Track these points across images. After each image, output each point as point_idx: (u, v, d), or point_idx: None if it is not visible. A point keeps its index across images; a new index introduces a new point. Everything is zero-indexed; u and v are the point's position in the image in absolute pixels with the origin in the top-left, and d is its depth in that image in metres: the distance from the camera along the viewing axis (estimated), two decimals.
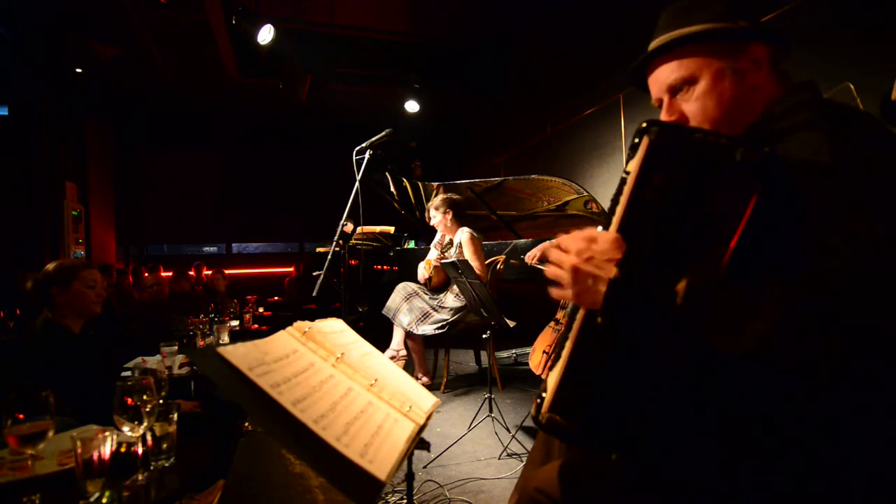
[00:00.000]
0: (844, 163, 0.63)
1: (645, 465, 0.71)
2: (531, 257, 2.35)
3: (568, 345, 0.70)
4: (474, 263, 3.03)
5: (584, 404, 0.69)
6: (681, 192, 0.65)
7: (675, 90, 0.82)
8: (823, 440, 0.61)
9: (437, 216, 3.33)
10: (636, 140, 0.67)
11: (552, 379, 0.71)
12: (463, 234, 3.22)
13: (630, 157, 0.68)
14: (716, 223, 0.64)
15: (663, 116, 0.85)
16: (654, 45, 0.83)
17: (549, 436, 1.05)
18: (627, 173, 0.67)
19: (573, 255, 0.70)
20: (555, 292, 0.73)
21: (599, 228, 0.72)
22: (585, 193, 3.85)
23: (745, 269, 0.62)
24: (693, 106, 0.80)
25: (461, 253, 3.19)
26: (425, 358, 3.37)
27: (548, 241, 2.38)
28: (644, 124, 0.67)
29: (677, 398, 0.67)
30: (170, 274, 4.34)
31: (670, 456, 0.69)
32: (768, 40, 0.79)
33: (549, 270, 0.74)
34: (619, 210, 0.68)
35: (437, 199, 3.35)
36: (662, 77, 0.83)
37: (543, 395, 0.72)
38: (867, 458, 0.61)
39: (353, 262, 3.88)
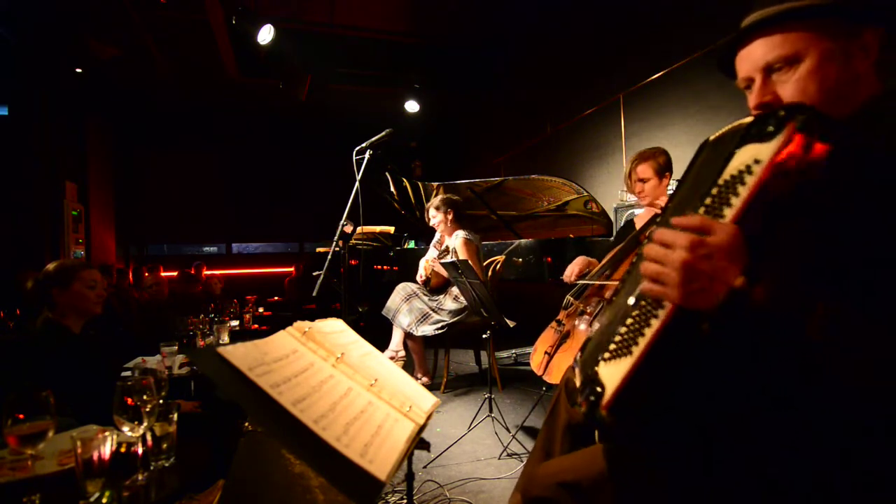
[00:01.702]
0: None
1: (699, 480, 0.66)
2: (570, 275, 2.29)
3: (646, 340, 0.61)
4: None
5: (650, 405, 0.63)
6: (818, 196, 0.57)
7: (771, 69, 0.73)
8: None
9: (437, 216, 3.33)
10: (770, 128, 0.58)
11: (614, 375, 0.63)
12: (457, 239, 3.21)
13: (750, 141, 0.60)
14: (853, 237, 0.56)
15: (753, 98, 0.76)
16: (757, 16, 0.74)
17: (551, 427, 1.04)
18: (758, 161, 0.57)
19: (683, 249, 0.59)
20: (652, 287, 0.63)
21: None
22: (585, 193, 3.85)
23: (857, 285, 0.56)
24: (791, 87, 0.72)
25: (455, 258, 3.18)
26: (425, 358, 3.37)
27: (582, 257, 2.33)
28: (783, 112, 0.59)
29: (756, 415, 0.61)
30: (170, 274, 4.34)
31: (735, 476, 0.63)
32: (885, 25, 0.71)
33: (647, 267, 0.64)
34: (744, 195, 0.57)
35: (436, 199, 3.35)
36: (759, 54, 0.74)
37: (599, 389, 0.64)
38: None
39: (353, 262, 3.88)
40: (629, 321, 0.67)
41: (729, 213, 0.58)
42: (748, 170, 0.58)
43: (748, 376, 0.61)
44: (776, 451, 0.62)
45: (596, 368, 0.68)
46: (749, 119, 0.65)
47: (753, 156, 0.58)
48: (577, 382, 0.76)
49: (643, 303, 0.65)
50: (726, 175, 0.61)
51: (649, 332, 0.61)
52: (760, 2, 0.75)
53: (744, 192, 0.57)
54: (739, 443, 0.64)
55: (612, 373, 0.64)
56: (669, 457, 0.67)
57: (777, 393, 0.60)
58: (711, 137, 0.75)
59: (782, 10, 0.71)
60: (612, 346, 0.67)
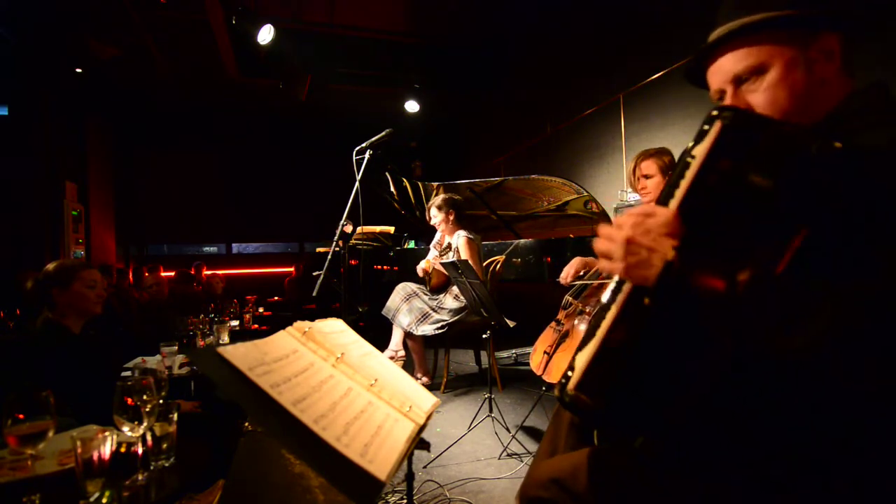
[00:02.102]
0: None
1: (670, 454, 0.70)
2: (566, 277, 2.32)
3: (605, 322, 0.68)
4: None
5: (614, 385, 0.67)
6: (748, 181, 0.63)
7: (740, 80, 0.77)
8: (854, 449, 0.60)
9: (438, 215, 3.33)
10: (706, 127, 0.65)
11: (582, 358, 0.69)
12: (459, 238, 3.21)
13: (696, 142, 0.66)
14: (782, 217, 0.61)
15: None
16: (720, 32, 0.78)
17: (557, 425, 1.05)
18: (692, 157, 0.65)
19: (628, 227, 0.67)
20: (604, 264, 0.70)
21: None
22: (585, 193, 3.85)
23: (807, 268, 0.60)
24: (762, 97, 0.75)
25: (458, 257, 3.18)
26: (425, 358, 3.37)
27: (578, 258, 2.35)
28: (715, 112, 0.66)
29: (713, 389, 0.65)
30: (170, 274, 4.34)
31: (697, 448, 0.68)
32: (842, 29, 0.74)
33: (598, 244, 0.71)
34: (681, 190, 0.65)
35: (438, 199, 3.35)
36: (727, 66, 0.78)
37: (570, 373, 0.70)
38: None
39: (353, 262, 3.88)
40: (603, 312, 0.73)
41: (673, 202, 0.66)
42: (688, 164, 0.66)
43: (702, 355, 0.66)
44: (739, 427, 0.67)
45: (575, 357, 0.73)
46: None
47: (694, 153, 0.66)
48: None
49: (613, 295, 0.72)
50: (678, 170, 0.69)
51: (609, 315, 0.68)
52: (724, 16, 0.79)
53: (684, 183, 0.66)
54: (707, 424, 0.68)
55: (581, 357, 0.70)
56: (641, 444, 0.71)
57: (730, 368, 0.65)
58: None
59: (743, 23, 0.75)
60: (591, 331, 0.73)
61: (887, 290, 0.55)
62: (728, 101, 0.79)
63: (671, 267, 0.62)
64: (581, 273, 2.26)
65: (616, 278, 0.71)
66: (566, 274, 2.30)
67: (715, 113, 0.66)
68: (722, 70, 0.79)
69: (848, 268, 0.58)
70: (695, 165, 0.65)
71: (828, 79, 0.75)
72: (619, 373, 0.68)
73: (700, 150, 0.65)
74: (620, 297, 0.68)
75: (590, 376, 0.67)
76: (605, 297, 0.73)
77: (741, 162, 0.63)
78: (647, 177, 2.09)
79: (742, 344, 0.61)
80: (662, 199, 0.68)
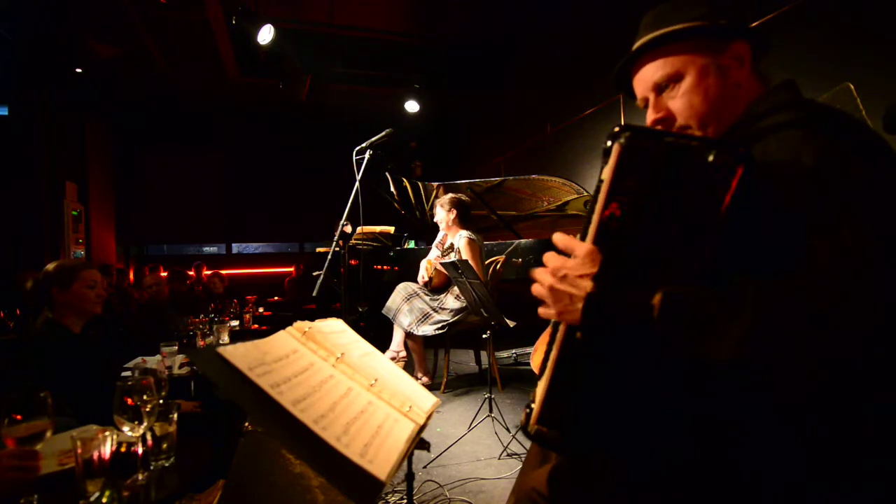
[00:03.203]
0: (826, 164, 0.62)
1: (630, 471, 0.72)
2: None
3: (551, 359, 0.70)
4: None
5: (568, 416, 0.71)
6: (655, 197, 0.64)
7: (660, 88, 0.83)
8: (802, 444, 0.62)
9: (440, 213, 3.33)
10: (608, 143, 0.66)
11: (539, 391, 0.72)
12: (461, 239, 3.21)
13: (603, 165, 0.68)
14: (692, 228, 0.64)
15: (650, 115, 0.85)
16: (638, 44, 0.84)
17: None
18: (602, 181, 0.66)
19: (549, 274, 0.70)
20: (541, 311, 0.74)
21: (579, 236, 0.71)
22: (585, 193, 3.85)
23: (722, 272, 0.62)
24: (679, 102, 0.81)
25: (459, 257, 3.18)
26: (425, 358, 3.37)
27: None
28: (616, 129, 0.66)
29: (659, 406, 0.68)
30: (166, 274, 4.34)
31: (653, 463, 0.70)
32: (749, 38, 0.81)
33: (534, 289, 0.73)
34: (594, 220, 0.67)
35: (445, 197, 3.35)
36: (647, 75, 0.83)
37: (532, 405, 0.73)
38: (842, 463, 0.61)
39: (353, 262, 3.88)
40: (549, 340, 0.75)
41: (589, 234, 0.68)
42: (598, 188, 0.66)
43: (645, 376, 0.68)
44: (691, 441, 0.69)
45: (537, 382, 0.76)
46: None
47: (602, 177, 0.66)
48: None
49: (553, 331, 0.74)
50: (594, 196, 0.70)
51: (552, 354, 0.71)
52: (643, 28, 0.84)
53: (595, 212, 0.66)
54: (660, 441, 0.70)
55: (538, 389, 0.73)
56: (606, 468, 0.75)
57: (665, 388, 0.68)
58: None
59: (657, 35, 0.81)
60: (542, 364, 0.75)
61: (804, 281, 0.57)
62: (651, 107, 0.84)
63: (590, 305, 0.65)
64: None
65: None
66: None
67: (616, 130, 0.66)
68: (643, 79, 0.84)
69: (768, 265, 0.61)
70: (603, 189, 0.65)
71: (741, 82, 0.80)
72: (570, 404, 0.70)
73: (606, 174, 0.65)
74: (559, 336, 0.70)
75: (546, 410, 0.71)
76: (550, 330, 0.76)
77: (646, 180, 0.64)
78: None
79: (678, 361, 0.63)
80: (583, 232, 0.69)
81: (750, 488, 0.65)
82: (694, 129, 0.81)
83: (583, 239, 0.69)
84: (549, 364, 0.70)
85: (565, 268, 0.69)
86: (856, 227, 0.58)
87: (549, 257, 0.72)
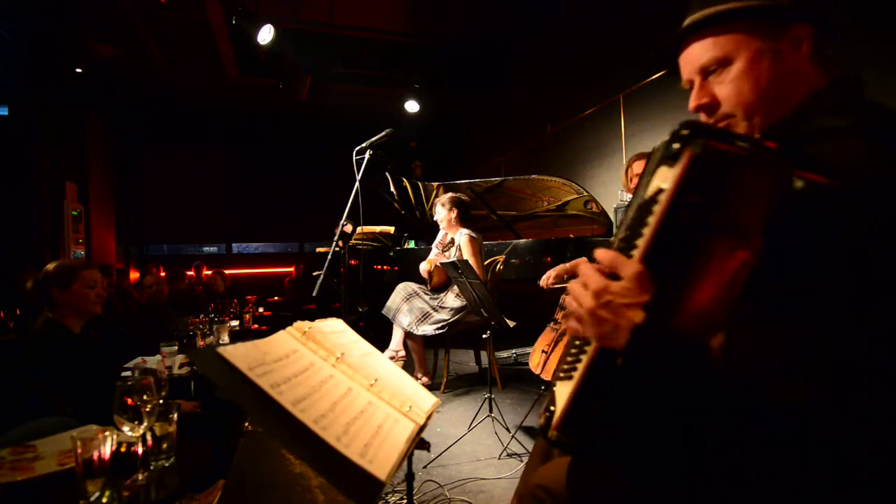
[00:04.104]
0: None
1: (650, 488, 0.71)
2: (546, 280, 2.36)
3: (580, 373, 0.66)
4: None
5: (591, 431, 0.67)
6: (721, 218, 0.55)
7: (707, 72, 0.76)
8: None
9: (441, 212, 3.33)
10: (675, 146, 0.57)
11: (562, 396, 0.68)
12: (462, 236, 3.22)
13: (655, 165, 0.60)
14: (762, 257, 0.56)
15: (693, 100, 0.78)
16: (688, 21, 0.76)
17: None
18: (661, 190, 0.57)
19: (590, 296, 0.62)
20: (572, 326, 0.66)
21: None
22: (585, 193, 3.85)
23: (784, 308, 0.57)
24: (726, 89, 0.74)
25: (460, 254, 3.19)
26: (425, 358, 3.37)
27: (561, 266, 2.37)
28: (686, 131, 0.56)
29: (690, 435, 0.64)
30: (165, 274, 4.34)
31: (676, 483, 0.68)
32: (813, 21, 0.72)
33: (568, 303, 0.67)
34: (647, 237, 0.57)
35: (445, 196, 3.35)
36: (694, 57, 0.77)
37: (552, 408, 0.70)
38: None
39: (353, 262, 3.88)
40: (577, 342, 0.72)
41: (637, 250, 0.59)
42: (655, 198, 0.58)
43: (678, 407, 0.64)
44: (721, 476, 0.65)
45: (557, 382, 0.73)
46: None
47: (661, 182, 0.57)
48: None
49: (581, 346, 0.71)
50: (645, 197, 0.61)
51: (584, 359, 0.66)
52: (697, 5, 0.77)
53: (652, 221, 0.57)
54: (689, 467, 0.66)
55: (561, 393, 0.69)
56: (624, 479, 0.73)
57: (702, 418, 0.63)
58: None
59: (709, 14, 0.74)
60: (565, 365, 0.72)
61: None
62: (695, 92, 0.78)
63: (638, 339, 0.59)
64: (563, 277, 2.29)
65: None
66: (546, 277, 2.33)
67: (685, 132, 0.57)
68: (690, 60, 0.78)
69: (838, 306, 0.55)
70: (664, 202, 0.56)
71: (797, 71, 0.73)
72: (595, 421, 0.67)
73: (669, 184, 0.56)
74: (590, 354, 0.65)
75: (569, 418, 0.67)
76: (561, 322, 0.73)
77: (711, 196, 0.55)
78: (639, 175, 2.09)
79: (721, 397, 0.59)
80: (625, 246, 0.62)
81: None
82: (739, 118, 0.74)
83: (622, 251, 0.62)
84: (577, 377, 0.66)
85: (610, 292, 0.60)
86: None
87: (590, 275, 0.63)
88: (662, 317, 0.57)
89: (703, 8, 0.75)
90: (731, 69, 0.74)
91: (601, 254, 0.64)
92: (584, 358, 0.66)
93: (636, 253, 0.59)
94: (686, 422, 0.64)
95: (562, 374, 0.72)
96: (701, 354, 0.57)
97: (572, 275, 2.28)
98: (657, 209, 0.56)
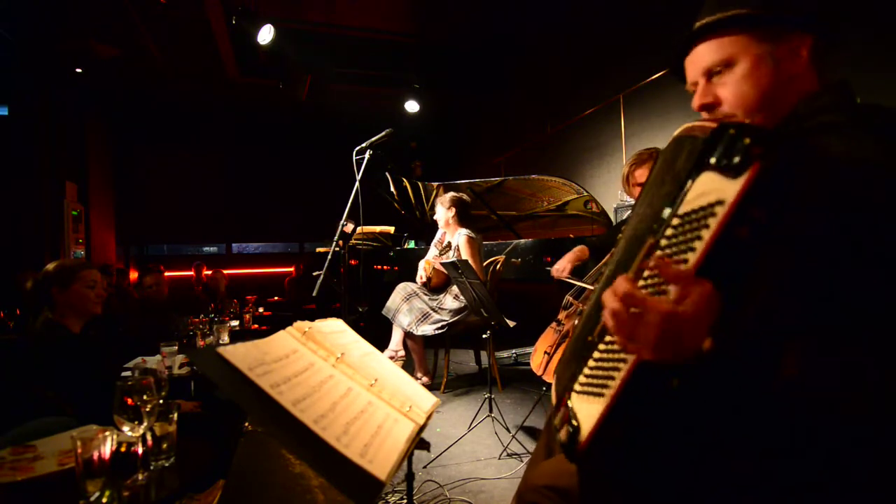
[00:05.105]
0: None
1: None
2: (562, 272, 2.29)
3: (617, 383, 0.61)
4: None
5: (626, 454, 0.63)
6: (781, 233, 0.52)
7: (711, 73, 0.81)
8: None
9: (440, 211, 3.34)
10: (735, 159, 0.52)
11: (589, 412, 0.64)
12: (460, 237, 3.22)
13: (694, 169, 0.58)
14: (826, 272, 0.54)
15: (697, 99, 0.83)
16: (699, 24, 0.82)
17: (552, 429, 1.04)
18: (720, 202, 0.52)
19: (653, 327, 0.56)
20: (620, 341, 0.61)
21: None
22: (585, 193, 3.85)
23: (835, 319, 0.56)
24: (729, 90, 0.79)
25: (458, 255, 3.19)
26: (425, 358, 3.37)
27: (571, 253, 2.33)
28: (748, 140, 0.51)
29: (740, 465, 0.61)
30: (171, 274, 4.33)
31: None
32: (812, 30, 0.77)
33: (609, 321, 0.61)
34: (704, 245, 0.52)
35: (445, 195, 3.35)
36: (700, 58, 0.82)
37: (574, 422, 0.65)
38: None
39: (353, 262, 3.88)
40: (597, 354, 0.67)
41: (692, 259, 0.54)
42: (710, 210, 0.53)
43: (729, 421, 0.61)
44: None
45: (571, 396, 0.70)
46: (700, 130, 0.63)
47: (717, 194, 0.52)
48: (553, 399, 0.80)
49: (608, 338, 0.66)
50: (686, 208, 0.57)
51: (619, 377, 0.60)
52: (706, 10, 0.82)
53: (706, 235, 0.52)
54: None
55: (586, 411, 0.64)
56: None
57: (761, 440, 0.60)
58: (675, 136, 0.73)
59: (716, 18, 0.79)
60: (584, 379, 0.68)
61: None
62: (699, 93, 0.82)
63: (707, 355, 0.54)
64: (578, 264, 2.26)
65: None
66: (561, 267, 2.28)
67: (748, 141, 0.51)
68: (695, 61, 0.82)
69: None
70: (723, 213, 0.51)
71: (796, 76, 0.77)
72: (631, 443, 0.62)
73: (730, 195, 0.51)
74: (629, 367, 0.59)
75: (600, 438, 0.62)
76: (593, 324, 0.66)
77: (778, 209, 0.51)
78: (641, 185, 2.08)
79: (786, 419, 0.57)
80: (678, 247, 0.56)
81: None
82: (739, 118, 0.78)
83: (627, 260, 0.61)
84: (613, 388, 0.60)
85: (679, 318, 0.54)
86: None
87: (648, 303, 0.57)
88: (731, 343, 0.54)
89: (713, 13, 0.79)
90: (734, 71, 0.78)
91: (657, 261, 0.58)
92: (621, 370, 0.60)
93: (691, 259, 0.54)
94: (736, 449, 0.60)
95: (579, 389, 0.68)
96: (769, 375, 0.54)
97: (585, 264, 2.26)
98: (720, 212, 0.51)
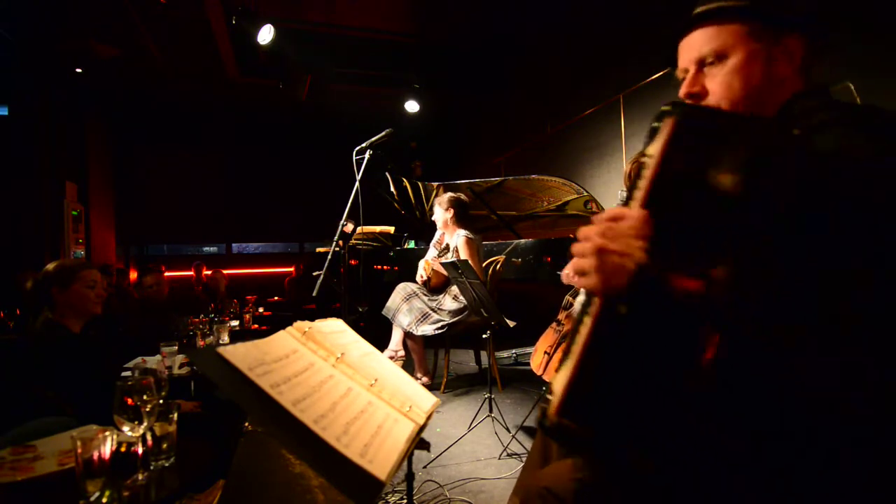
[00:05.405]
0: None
1: (665, 476, 0.65)
2: (569, 277, 2.28)
3: (581, 338, 0.64)
4: None
5: (600, 406, 0.63)
6: (710, 175, 0.62)
7: (703, 63, 0.80)
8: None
9: (439, 212, 3.34)
10: (655, 124, 0.66)
11: (560, 379, 0.65)
12: (459, 238, 3.22)
13: (649, 141, 0.67)
14: (745, 205, 0.61)
15: (685, 87, 0.82)
16: (700, 9, 0.81)
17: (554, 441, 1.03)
18: (649, 156, 0.65)
19: (596, 236, 0.65)
20: (580, 281, 0.67)
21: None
22: (585, 193, 3.85)
23: (774, 255, 0.59)
24: (718, 81, 0.78)
25: (457, 256, 3.19)
26: (425, 358, 3.37)
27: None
28: (668, 106, 0.66)
29: (707, 399, 0.62)
30: (172, 274, 4.32)
31: (691, 468, 0.63)
32: (808, 36, 0.78)
33: (573, 264, 0.68)
34: (644, 186, 0.63)
35: (445, 196, 3.35)
36: (696, 43, 0.81)
37: (550, 397, 0.66)
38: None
39: (353, 262, 3.88)
40: (576, 320, 0.70)
41: (637, 197, 0.65)
42: (645, 164, 0.66)
43: (688, 360, 0.62)
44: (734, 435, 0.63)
45: (547, 376, 0.71)
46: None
47: (649, 151, 0.66)
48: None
49: (584, 308, 0.69)
50: (638, 172, 0.68)
51: (583, 329, 0.64)
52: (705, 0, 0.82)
53: (643, 183, 0.65)
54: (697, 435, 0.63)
55: (559, 378, 0.65)
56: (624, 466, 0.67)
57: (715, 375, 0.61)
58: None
59: (720, 6, 0.78)
60: (563, 354, 0.70)
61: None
62: (687, 81, 0.82)
63: (644, 269, 0.60)
64: None
65: (583, 291, 0.68)
66: (570, 276, 2.27)
67: (666, 108, 0.66)
68: (691, 46, 0.82)
69: (822, 255, 0.57)
70: (653, 163, 0.64)
71: (784, 79, 0.77)
72: (602, 392, 0.63)
73: (656, 148, 0.64)
74: (593, 310, 0.64)
75: (572, 398, 0.63)
76: (575, 310, 0.71)
77: (699, 157, 0.63)
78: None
79: (730, 341, 0.59)
80: (625, 202, 0.67)
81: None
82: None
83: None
84: (579, 343, 0.64)
85: (616, 228, 0.63)
86: None
87: (591, 226, 0.67)
88: (664, 255, 0.60)
89: (712, 3, 0.79)
90: (726, 64, 0.78)
91: (606, 212, 0.68)
92: (585, 325, 0.64)
93: (635, 201, 0.65)
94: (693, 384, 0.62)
95: (557, 365, 0.69)
96: (704, 285, 0.58)
97: None
98: (651, 162, 0.64)
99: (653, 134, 0.66)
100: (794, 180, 0.61)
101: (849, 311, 0.55)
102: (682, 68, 0.84)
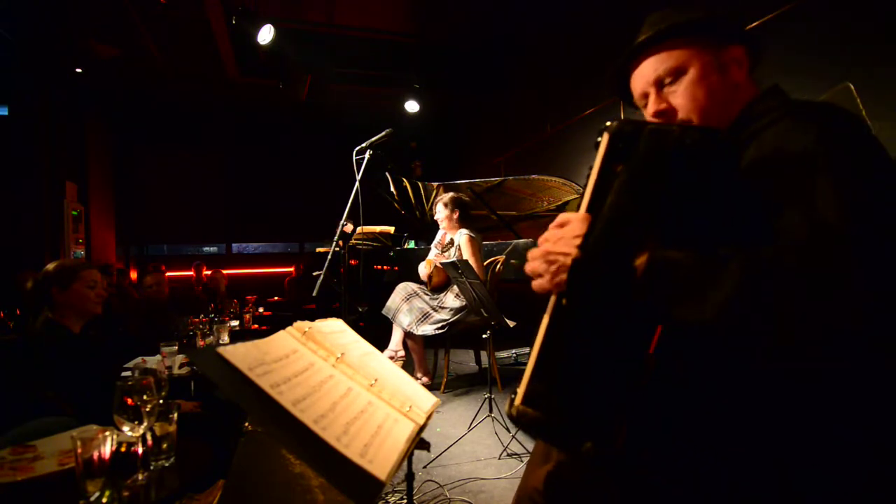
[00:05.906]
0: (815, 146, 0.65)
1: (619, 457, 0.68)
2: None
3: (539, 332, 0.69)
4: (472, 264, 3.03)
5: (554, 393, 0.68)
6: (642, 176, 0.68)
7: (661, 83, 0.84)
8: (790, 413, 0.62)
9: (442, 212, 3.34)
10: (598, 140, 0.71)
11: (526, 372, 0.70)
12: (461, 236, 3.22)
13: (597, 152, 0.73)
14: (675, 204, 0.68)
15: (650, 109, 0.86)
16: (643, 37, 0.85)
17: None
18: (591, 168, 0.72)
19: (545, 243, 0.72)
20: (534, 284, 0.74)
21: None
22: None
23: (705, 243, 0.64)
24: (681, 96, 0.82)
25: (459, 254, 3.19)
26: (425, 358, 3.37)
27: None
28: (607, 123, 0.72)
29: (649, 380, 0.65)
30: (172, 274, 4.32)
31: (644, 445, 0.66)
32: (746, 43, 0.83)
33: (528, 266, 0.75)
34: (587, 193, 0.71)
35: (446, 196, 3.36)
36: (649, 70, 0.84)
37: (518, 390, 0.70)
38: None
39: (353, 262, 3.88)
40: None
41: (583, 203, 0.72)
42: (589, 174, 0.72)
43: (635, 348, 0.66)
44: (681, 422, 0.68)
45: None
46: None
47: (593, 164, 0.73)
48: None
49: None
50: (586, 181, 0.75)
51: (541, 326, 0.69)
52: (649, 26, 0.86)
53: (587, 191, 0.72)
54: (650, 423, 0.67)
55: (526, 371, 0.70)
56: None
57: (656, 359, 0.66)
58: None
59: (661, 28, 0.82)
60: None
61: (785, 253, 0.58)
62: (652, 102, 0.86)
63: (576, 266, 0.66)
64: None
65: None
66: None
67: (606, 125, 0.72)
68: (643, 74, 0.86)
69: (748, 237, 0.63)
70: (593, 173, 0.70)
71: (739, 84, 0.83)
72: (557, 380, 0.68)
73: (596, 161, 0.71)
74: (549, 306, 0.70)
75: (531, 387, 0.68)
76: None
77: (632, 162, 0.69)
78: None
79: (663, 327, 0.63)
80: (577, 209, 0.73)
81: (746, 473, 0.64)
82: (695, 123, 0.82)
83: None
84: (538, 338, 0.69)
85: (560, 233, 0.71)
86: (829, 200, 0.60)
87: (549, 228, 0.74)
88: (593, 249, 0.66)
89: (653, 28, 0.84)
90: (684, 79, 0.82)
91: (560, 216, 0.75)
92: (542, 322, 0.69)
93: (581, 207, 0.72)
94: (636, 368, 0.66)
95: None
96: (627, 273, 0.64)
97: None
98: (592, 172, 0.71)
99: (596, 147, 0.72)
100: (669, 170, 0.68)
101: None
102: (641, 93, 0.88)
